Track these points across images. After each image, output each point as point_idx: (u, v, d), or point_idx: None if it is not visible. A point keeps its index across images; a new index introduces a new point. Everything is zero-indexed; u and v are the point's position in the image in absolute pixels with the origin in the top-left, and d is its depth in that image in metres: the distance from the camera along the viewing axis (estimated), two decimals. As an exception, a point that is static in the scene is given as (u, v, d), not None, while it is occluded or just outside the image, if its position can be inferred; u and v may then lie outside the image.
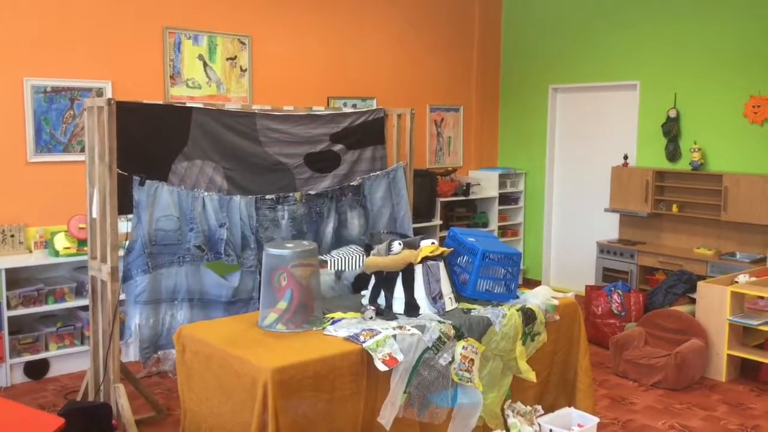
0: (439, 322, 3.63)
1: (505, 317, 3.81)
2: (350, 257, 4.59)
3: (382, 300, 3.85)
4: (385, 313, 3.74)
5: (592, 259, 7.21)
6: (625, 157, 7.00)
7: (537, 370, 3.93)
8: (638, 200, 6.84)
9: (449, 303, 3.87)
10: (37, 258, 5.10)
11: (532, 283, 7.35)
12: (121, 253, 4.02)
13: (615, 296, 5.95)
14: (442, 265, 3.90)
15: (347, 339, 3.36)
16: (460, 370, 3.56)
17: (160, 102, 5.19)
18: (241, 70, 6.25)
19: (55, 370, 5.15)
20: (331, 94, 6.82)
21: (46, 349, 5.07)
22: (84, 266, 4.66)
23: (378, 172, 5.04)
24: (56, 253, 5.08)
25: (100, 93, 5.47)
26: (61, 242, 5.10)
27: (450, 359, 3.54)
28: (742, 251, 6.28)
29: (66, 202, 5.21)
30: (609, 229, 7.36)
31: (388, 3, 7.24)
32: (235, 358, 3.19)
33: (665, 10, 6.84)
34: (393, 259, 3.83)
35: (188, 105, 4.39)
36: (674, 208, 6.66)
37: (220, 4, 6.09)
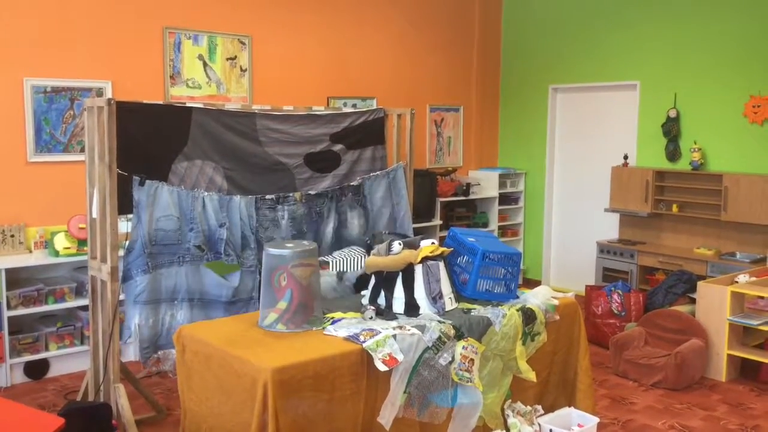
0: (439, 322, 3.62)
1: (505, 317, 3.81)
2: (352, 258, 4.59)
3: (382, 300, 3.85)
4: (385, 313, 3.73)
5: (592, 259, 7.21)
6: (625, 157, 7.00)
7: (537, 370, 3.93)
8: (638, 200, 6.84)
9: (449, 303, 3.87)
10: (37, 258, 5.10)
11: (532, 283, 7.34)
12: (121, 253, 4.02)
13: (615, 296, 5.95)
14: (442, 265, 3.90)
15: (347, 339, 3.36)
16: (460, 370, 3.56)
17: (160, 102, 5.19)
18: (241, 70, 6.25)
19: (55, 370, 5.15)
20: (331, 94, 6.82)
21: (46, 349, 5.07)
22: (84, 266, 4.66)
23: (378, 172, 5.04)
24: (56, 253, 5.08)
25: (100, 93, 5.48)
26: (61, 242, 5.10)
27: (450, 359, 3.54)
28: (742, 251, 6.28)
29: (66, 202, 5.21)
30: (609, 229, 7.36)
31: (388, 3, 7.24)
32: (235, 358, 3.19)
33: (665, 10, 6.84)
34: (393, 259, 3.83)
35: (188, 105, 4.39)
36: (674, 208, 6.66)
37: (220, 4, 6.09)
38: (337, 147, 4.93)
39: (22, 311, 4.92)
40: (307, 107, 4.92)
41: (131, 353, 5.02)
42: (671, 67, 6.81)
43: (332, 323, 3.59)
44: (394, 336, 3.38)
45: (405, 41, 7.42)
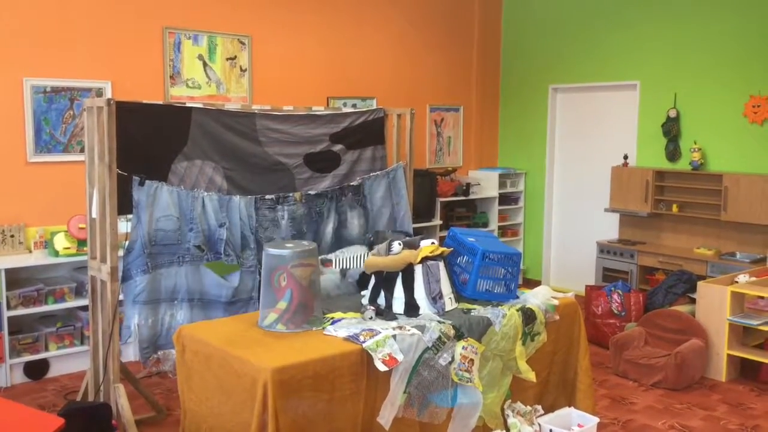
0: (439, 322, 3.62)
1: (505, 317, 3.81)
2: (355, 255, 4.60)
3: (382, 300, 3.85)
4: (385, 313, 3.73)
5: (592, 259, 7.21)
6: (625, 157, 7.00)
7: (537, 370, 3.92)
8: (638, 200, 6.84)
9: (449, 303, 3.87)
10: (37, 258, 5.10)
11: (532, 283, 7.35)
12: (121, 253, 4.02)
13: (615, 296, 5.95)
14: (442, 265, 3.90)
15: (347, 339, 3.36)
16: (460, 370, 3.56)
17: (160, 102, 5.19)
18: (241, 70, 6.25)
19: (55, 370, 5.15)
20: (331, 94, 6.82)
21: (46, 349, 5.07)
22: (84, 266, 4.65)
23: (378, 172, 5.04)
24: (56, 253, 5.08)
25: (99, 93, 5.47)
26: (60, 242, 5.10)
27: (450, 359, 3.54)
28: (742, 251, 6.28)
29: (66, 202, 5.21)
30: (609, 229, 7.35)
31: (387, 3, 7.24)
32: (235, 358, 3.19)
33: (665, 10, 6.84)
34: (393, 259, 3.83)
35: (188, 105, 4.39)
36: (674, 208, 6.66)
37: (220, 4, 6.09)
38: (337, 147, 4.93)
39: (21, 311, 4.92)
40: (307, 107, 4.92)
41: (131, 353, 5.02)
42: (671, 67, 6.81)
43: (332, 323, 3.59)
44: (394, 336, 3.38)
45: (405, 41, 7.42)
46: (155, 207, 4.07)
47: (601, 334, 5.88)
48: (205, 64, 6.04)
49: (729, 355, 5.16)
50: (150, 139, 4.14)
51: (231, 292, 4.32)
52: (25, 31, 5.16)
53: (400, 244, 3.90)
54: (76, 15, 5.37)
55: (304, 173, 4.80)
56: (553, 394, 4.18)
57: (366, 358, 3.28)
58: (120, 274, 4.00)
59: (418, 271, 3.81)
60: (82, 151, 5.10)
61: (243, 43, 6.24)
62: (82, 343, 5.16)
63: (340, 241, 4.82)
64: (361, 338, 3.33)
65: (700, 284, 5.39)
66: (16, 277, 5.00)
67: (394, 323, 3.58)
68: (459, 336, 3.61)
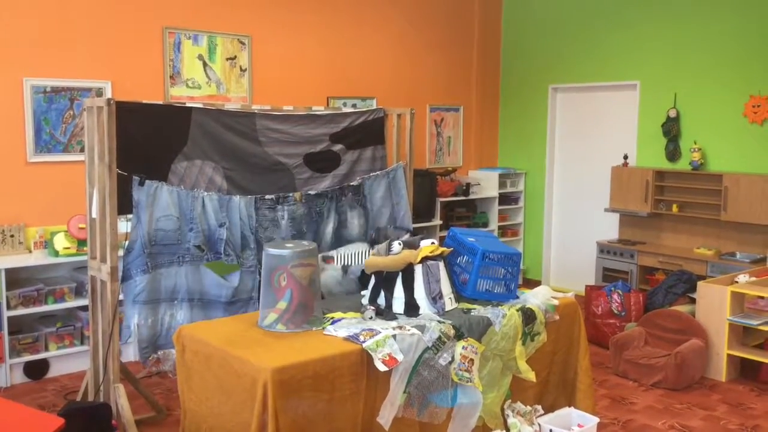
0: (439, 322, 3.62)
1: (505, 317, 3.81)
2: (356, 252, 4.60)
3: (382, 300, 3.85)
4: (385, 313, 3.73)
5: (592, 259, 7.21)
6: (625, 157, 7.00)
7: (537, 370, 3.92)
8: (638, 200, 6.84)
9: (449, 303, 3.87)
10: (37, 258, 5.10)
11: (532, 283, 7.35)
12: (121, 253, 4.02)
13: (615, 296, 5.95)
14: (442, 265, 3.90)
15: (347, 339, 3.36)
16: (460, 370, 3.56)
17: (160, 102, 5.19)
18: (241, 70, 6.25)
19: (54, 370, 5.15)
20: (330, 94, 6.82)
21: (46, 349, 5.07)
22: (84, 266, 4.65)
23: (378, 172, 5.04)
24: (56, 253, 5.08)
25: (99, 93, 5.47)
26: (60, 242, 5.10)
27: (450, 359, 3.54)
28: (742, 251, 6.28)
29: (66, 202, 5.21)
30: (609, 229, 7.35)
31: (387, 3, 7.24)
32: (235, 358, 3.19)
33: (665, 10, 6.84)
34: (393, 259, 3.83)
35: (188, 105, 4.39)
36: (674, 208, 6.66)
37: (220, 4, 6.09)
38: (337, 147, 4.93)
39: (21, 311, 4.92)
40: (307, 107, 4.91)
41: (131, 353, 5.02)
42: (671, 67, 6.81)
43: (332, 323, 3.59)
44: (394, 336, 3.38)
45: (405, 41, 7.42)
46: (155, 207, 4.07)
47: (601, 334, 5.88)
48: (205, 64, 6.04)
49: (729, 355, 5.16)
50: (150, 139, 4.14)
51: (231, 292, 4.32)
52: (25, 31, 5.16)
53: (400, 244, 3.90)
54: (76, 15, 5.37)
55: (304, 173, 4.80)
56: (553, 394, 4.18)
57: (366, 358, 3.28)
58: (120, 274, 4.00)
59: (418, 271, 3.81)
60: (82, 151, 5.10)
61: (243, 43, 6.24)
62: (82, 343, 5.16)
63: (340, 241, 4.82)
64: (361, 338, 3.33)
65: (700, 284, 5.39)
66: (16, 277, 5.00)
67: (394, 323, 3.58)
68: (459, 336, 3.61)
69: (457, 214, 7.62)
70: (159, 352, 4.15)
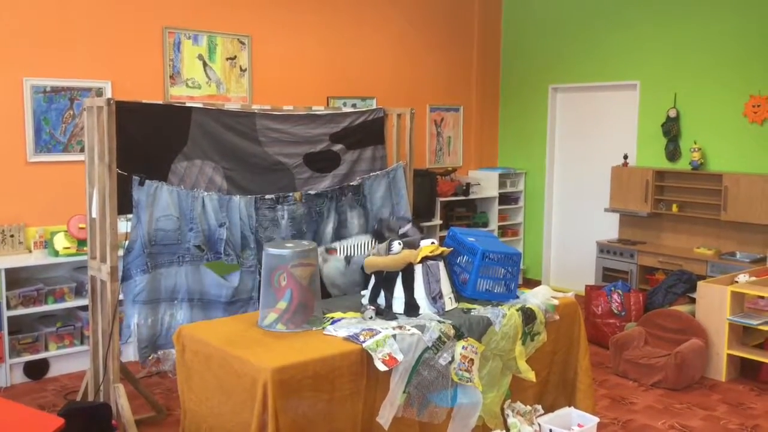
0: (439, 322, 3.62)
1: (505, 317, 3.81)
2: (359, 243, 4.60)
3: (382, 300, 3.85)
4: (385, 313, 3.73)
5: (592, 258, 7.21)
6: (625, 157, 7.00)
7: (537, 370, 3.93)
8: (638, 200, 6.84)
9: (449, 303, 3.87)
10: (37, 258, 5.10)
11: (532, 283, 7.34)
12: (121, 252, 4.02)
13: (615, 296, 5.95)
14: (442, 264, 3.90)
15: (347, 339, 3.36)
16: (460, 369, 3.56)
17: (160, 102, 5.19)
18: (241, 70, 6.25)
19: (54, 370, 5.15)
20: (330, 94, 6.82)
21: (46, 349, 5.07)
22: (84, 266, 4.65)
23: (378, 172, 5.04)
24: (56, 253, 5.08)
25: (99, 93, 5.47)
26: (60, 242, 5.10)
27: (450, 359, 3.54)
28: (742, 251, 6.28)
29: (66, 202, 5.21)
30: (609, 228, 7.35)
31: (387, 3, 7.24)
32: (235, 358, 3.19)
33: (665, 10, 6.84)
34: (393, 258, 3.83)
35: (188, 105, 4.39)
36: (674, 208, 6.66)
37: (220, 4, 6.09)
38: (337, 147, 4.93)
39: (21, 311, 4.92)
40: (307, 107, 4.91)
41: (131, 353, 5.01)
42: (671, 67, 6.81)
43: (332, 323, 3.59)
44: (394, 336, 3.38)
45: (405, 41, 7.42)
46: (155, 207, 4.07)
47: (601, 334, 5.88)
48: (205, 64, 6.04)
49: (729, 355, 5.16)
50: (150, 139, 4.14)
51: (231, 292, 4.32)
52: (25, 31, 5.16)
53: (400, 244, 3.90)
54: (76, 15, 5.37)
55: (304, 173, 4.80)
56: (553, 393, 4.18)
57: (366, 357, 3.28)
58: (120, 273, 4.00)
59: (418, 270, 3.81)
60: (82, 150, 5.10)
61: (243, 43, 6.24)
62: (82, 343, 5.17)
63: (340, 240, 4.82)
64: (361, 338, 3.33)
65: (700, 284, 5.39)
66: (16, 277, 5.00)
67: (394, 323, 3.58)
68: (459, 336, 3.61)
69: (457, 214, 7.62)
70: (159, 352, 4.15)
